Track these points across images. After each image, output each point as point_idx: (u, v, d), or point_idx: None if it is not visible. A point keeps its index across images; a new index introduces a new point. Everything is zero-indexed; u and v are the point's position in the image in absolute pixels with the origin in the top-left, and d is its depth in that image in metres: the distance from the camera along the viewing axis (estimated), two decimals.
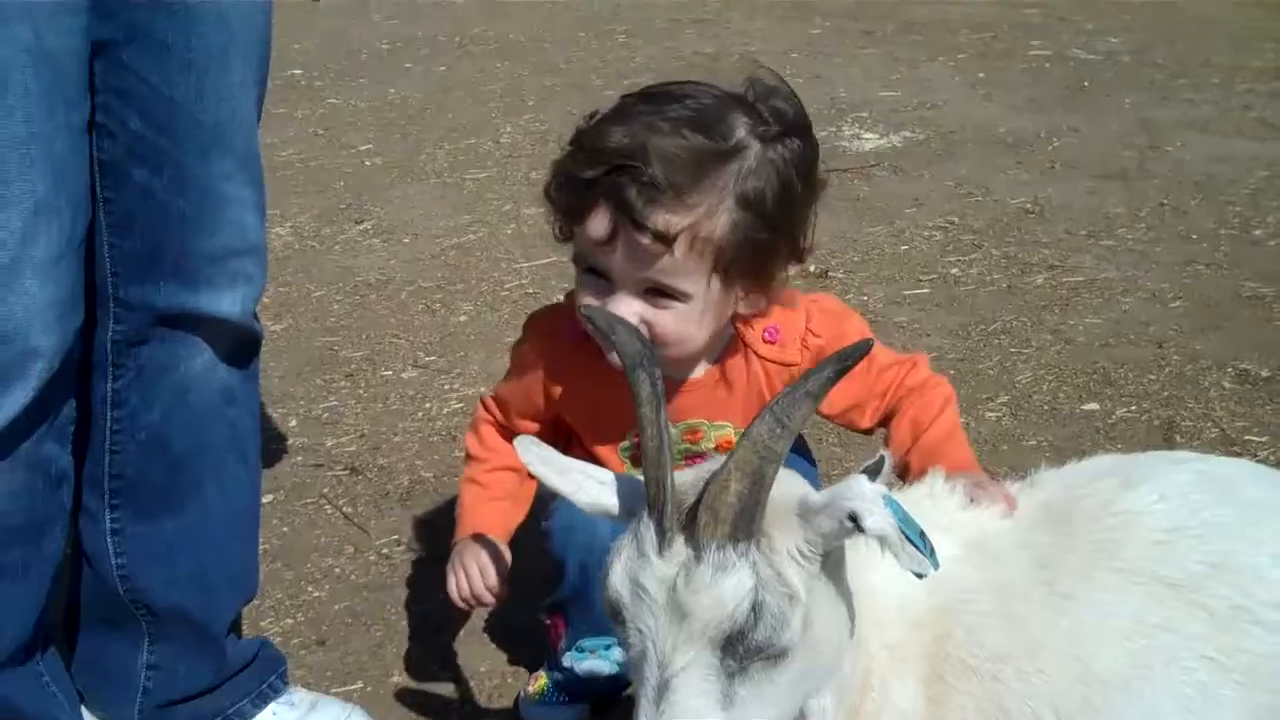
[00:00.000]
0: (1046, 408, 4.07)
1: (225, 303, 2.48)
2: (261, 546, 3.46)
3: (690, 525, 1.77)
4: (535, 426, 2.64)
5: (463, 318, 5.04)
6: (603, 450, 2.61)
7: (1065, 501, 2.34)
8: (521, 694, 2.92)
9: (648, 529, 1.79)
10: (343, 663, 3.14)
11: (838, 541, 1.85)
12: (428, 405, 4.36)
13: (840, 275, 5.12)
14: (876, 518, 1.75)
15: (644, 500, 1.83)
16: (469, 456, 2.72)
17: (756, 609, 1.74)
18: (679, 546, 1.76)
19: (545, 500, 2.70)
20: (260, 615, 3.30)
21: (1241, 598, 2.16)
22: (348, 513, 3.76)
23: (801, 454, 2.80)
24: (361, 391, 4.50)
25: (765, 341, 2.57)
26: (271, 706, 2.79)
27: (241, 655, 2.76)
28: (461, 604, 2.57)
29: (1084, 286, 4.95)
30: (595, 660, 2.77)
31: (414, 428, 4.23)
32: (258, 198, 2.51)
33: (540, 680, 2.87)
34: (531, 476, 2.25)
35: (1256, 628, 2.14)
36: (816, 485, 2.61)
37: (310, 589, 3.42)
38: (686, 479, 1.86)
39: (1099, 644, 2.12)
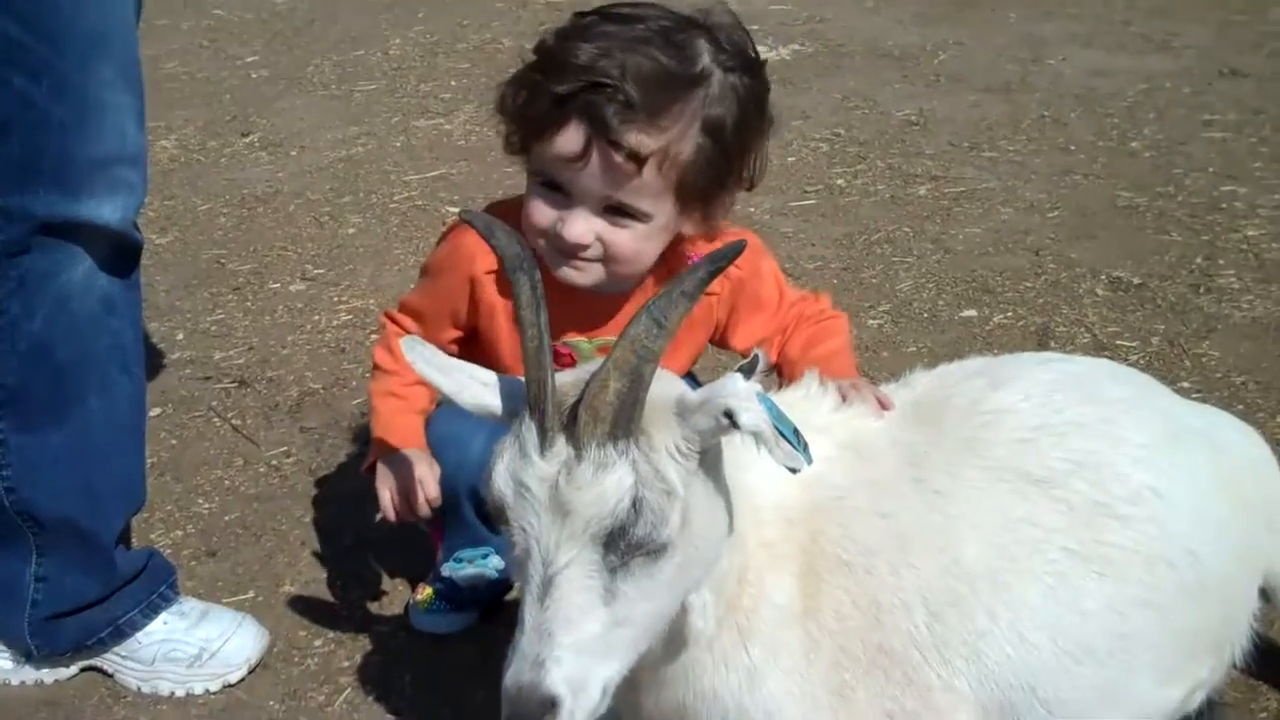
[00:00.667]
0: (926, 314, 4.16)
1: (106, 210, 2.46)
2: (150, 459, 3.47)
3: (571, 425, 1.79)
4: (453, 334, 2.64)
5: (351, 230, 5.03)
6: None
7: (935, 401, 2.40)
8: (410, 604, 2.96)
9: (529, 429, 1.82)
10: (233, 573, 3.15)
11: (714, 439, 1.88)
12: (316, 318, 4.36)
13: None
14: (751, 414, 1.79)
15: (525, 401, 1.85)
16: (379, 370, 2.69)
17: (636, 505, 1.78)
18: (560, 446, 1.79)
19: None
20: (150, 528, 3.30)
21: (1100, 494, 2.24)
22: (236, 425, 3.76)
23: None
24: (249, 304, 4.48)
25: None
26: (162, 616, 2.80)
27: (131, 565, 2.76)
28: (395, 519, 2.57)
29: (965, 197, 5.05)
30: (473, 569, 2.81)
31: (302, 340, 4.23)
32: (138, 105, 2.50)
33: (426, 591, 2.91)
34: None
35: (1114, 521, 2.22)
36: None
37: (200, 501, 3.43)
38: (567, 380, 1.89)
39: (966, 537, 2.18)
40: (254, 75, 6.88)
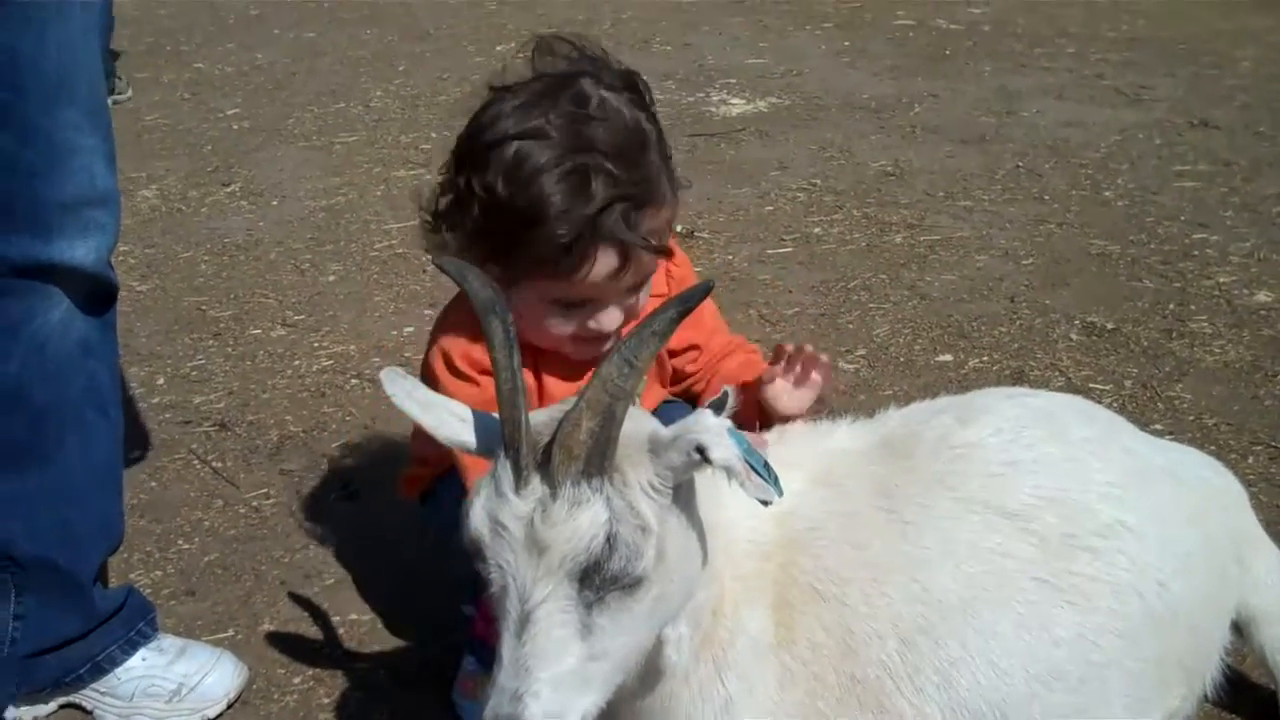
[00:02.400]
0: (903, 359, 4.20)
1: (79, 252, 2.48)
2: (130, 501, 3.49)
3: (545, 463, 1.80)
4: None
5: (331, 277, 5.05)
6: None
7: (906, 437, 2.43)
8: (458, 697, 2.84)
9: (505, 468, 1.82)
10: (213, 612, 3.16)
11: (687, 474, 1.89)
12: (296, 363, 4.38)
13: (706, 235, 5.21)
14: (721, 449, 1.80)
15: (500, 440, 1.86)
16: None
17: (611, 540, 1.79)
18: (535, 484, 1.80)
19: None
20: (130, 567, 3.31)
21: (1070, 526, 2.27)
22: (216, 467, 3.77)
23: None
24: (230, 350, 4.50)
25: None
26: (141, 652, 2.81)
27: (110, 603, 2.77)
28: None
29: (940, 244, 5.09)
30: None
31: (283, 384, 4.24)
32: (106, 146, 2.51)
33: (483, 683, 2.73)
34: None
35: (1084, 553, 2.25)
36: None
37: (180, 541, 3.44)
38: (540, 419, 1.89)
39: (938, 567, 2.20)
40: (235, 127, 6.92)
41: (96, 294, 2.59)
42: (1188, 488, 2.48)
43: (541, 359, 2.55)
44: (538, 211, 2.31)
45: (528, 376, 2.54)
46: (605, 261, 2.34)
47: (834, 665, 2.15)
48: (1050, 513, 2.27)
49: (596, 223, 2.30)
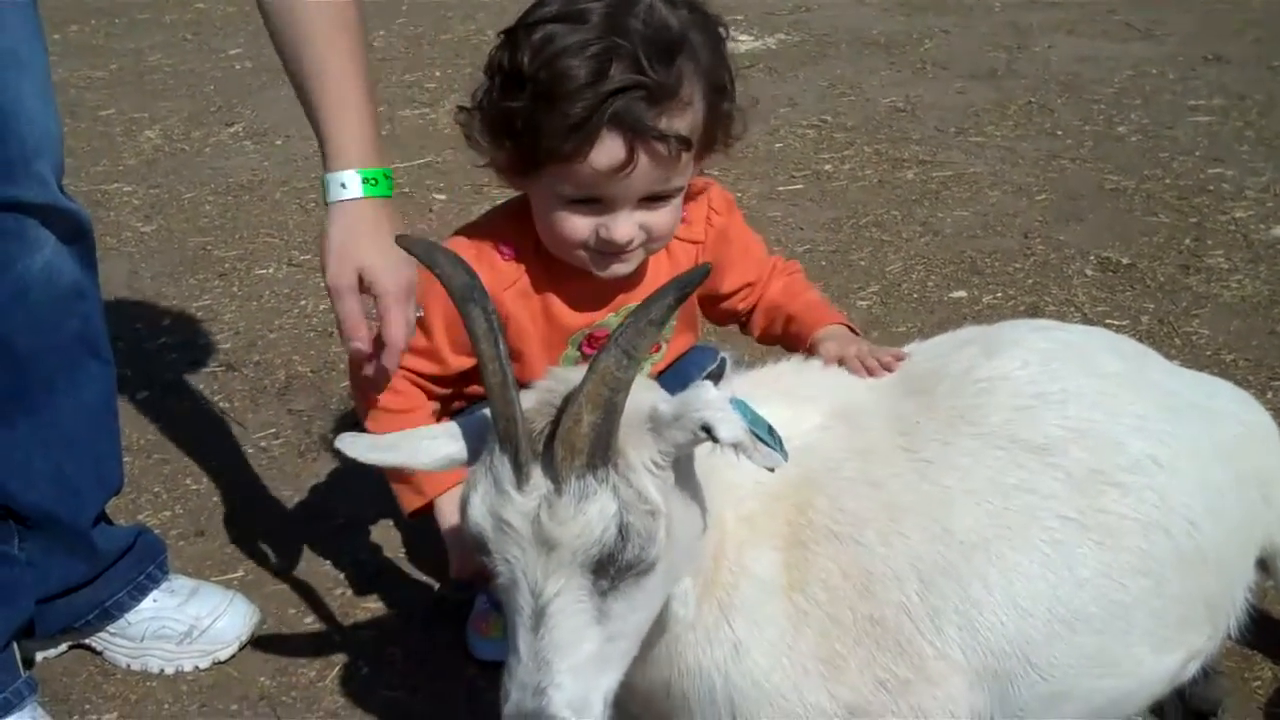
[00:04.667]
0: (916, 295, 4.16)
1: (51, 192, 2.45)
2: (137, 442, 3.48)
3: (546, 456, 1.74)
4: (469, 362, 2.51)
5: None
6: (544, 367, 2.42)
7: (929, 372, 2.39)
8: (472, 634, 2.81)
9: (502, 463, 1.76)
10: (222, 552, 3.14)
11: (689, 449, 1.84)
12: (303, 302, 4.34)
13: (715, 173, 5.06)
14: (729, 426, 1.75)
15: (491, 433, 1.79)
16: (385, 410, 2.56)
17: (623, 531, 1.74)
18: (537, 479, 1.74)
19: None
20: (138, 508, 3.29)
21: (1099, 462, 2.22)
22: (224, 408, 3.74)
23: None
24: (236, 290, 4.46)
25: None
26: (152, 594, 2.79)
27: (116, 544, 2.75)
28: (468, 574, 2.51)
29: (953, 180, 5.04)
30: None
31: (289, 324, 4.21)
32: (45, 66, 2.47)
33: (495, 622, 2.76)
34: None
35: (1113, 489, 2.21)
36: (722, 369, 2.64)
37: (188, 482, 3.42)
38: (530, 404, 1.82)
39: (959, 505, 2.16)
40: (238, 67, 6.86)
41: (77, 235, 2.54)
42: (1219, 423, 2.44)
43: (553, 280, 2.50)
44: (555, 87, 2.23)
45: (536, 304, 2.50)
46: (611, 149, 2.24)
47: (850, 606, 2.10)
48: (1078, 447, 2.23)
49: (608, 105, 2.21)
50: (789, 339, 2.64)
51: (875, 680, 2.11)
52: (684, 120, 2.28)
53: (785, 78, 6.29)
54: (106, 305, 2.75)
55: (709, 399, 1.79)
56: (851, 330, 2.59)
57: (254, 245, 4.79)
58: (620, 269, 2.42)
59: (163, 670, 2.76)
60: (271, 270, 4.59)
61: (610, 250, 2.38)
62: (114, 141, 5.89)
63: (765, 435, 1.77)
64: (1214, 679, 2.42)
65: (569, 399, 1.74)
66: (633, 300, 2.53)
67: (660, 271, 2.56)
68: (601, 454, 1.73)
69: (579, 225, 2.36)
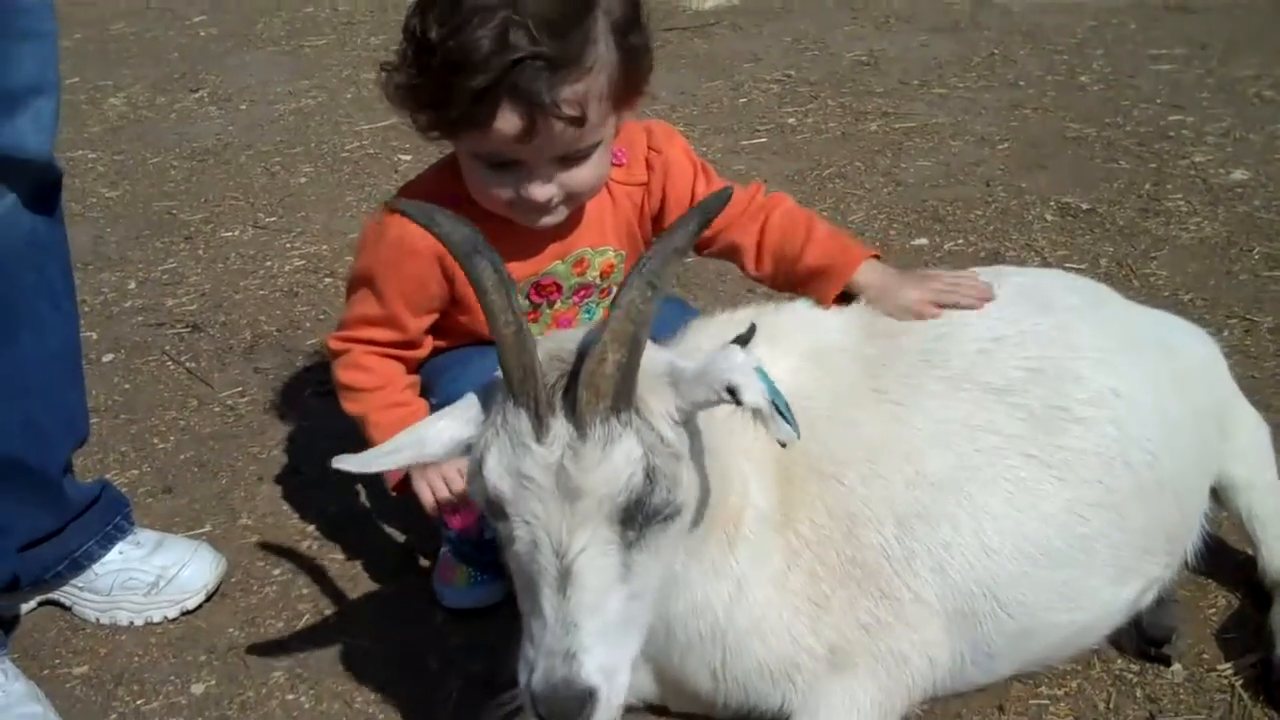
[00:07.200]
0: (878, 244, 4.16)
1: (32, 142, 2.44)
2: (105, 402, 3.49)
3: (566, 404, 1.72)
4: (428, 320, 2.56)
5: (303, 179, 5.01)
6: None
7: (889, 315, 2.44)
8: (439, 587, 2.81)
9: (518, 418, 1.73)
10: (190, 508, 3.15)
11: (704, 409, 1.84)
12: (269, 264, 4.35)
13: (680, 128, 5.10)
14: (753, 392, 1.74)
15: (500, 394, 1.78)
16: (359, 390, 2.56)
17: (650, 474, 1.72)
18: (558, 428, 1.71)
19: None
20: (105, 468, 3.30)
21: (1059, 399, 2.27)
22: (190, 368, 3.75)
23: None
24: (201, 253, 4.46)
25: (614, 164, 2.55)
26: (118, 546, 2.80)
27: (83, 496, 2.76)
28: (437, 513, 2.51)
29: (916, 132, 5.06)
30: None
31: (255, 285, 4.21)
32: (55, 38, 2.46)
33: (460, 570, 2.77)
34: None
35: (1074, 425, 2.25)
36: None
37: (155, 440, 3.42)
38: (540, 357, 1.77)
39: (929, 447, 2.21)
40: (202, 34, 6.85)
41: (44, 187, 2.53)
42: (1175, 356, 2.48)
43: (492, 232, 2.48)
44: (460, 57, 2.22)
45: None
46: (510, 119, 2.23)
47: (835, 548, 2.15)
48: (1038, 385, 2.27)
49: (507, 76, 2.20)
50: (811, 289, 2.58)
51: (858, 624, 2.15)
52: (585, 84, 2.25)
53: (749, 34, 6.30)
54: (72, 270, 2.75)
55: (737, 362, 1.78)
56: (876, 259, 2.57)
57: (219, 209, 4.79)
58: (549, 220, 2.44)
59: (131, 623, 2.77)
60: (237, 233, 4.59)
61: (532, 209, 2.39)
62: (78, 110, 5.88)
63: (784, 409, 1.77)
64: (1169, 607, 2.45)
65: (586, 346, 1.72)
66: (573, 248, 2.55)
67: (604, 215, 2.58)
68: (625, 397, 1.71)
69: (499, 189, 2.37)
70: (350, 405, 2.56)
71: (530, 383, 1.71)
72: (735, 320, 2.36)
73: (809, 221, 2.63)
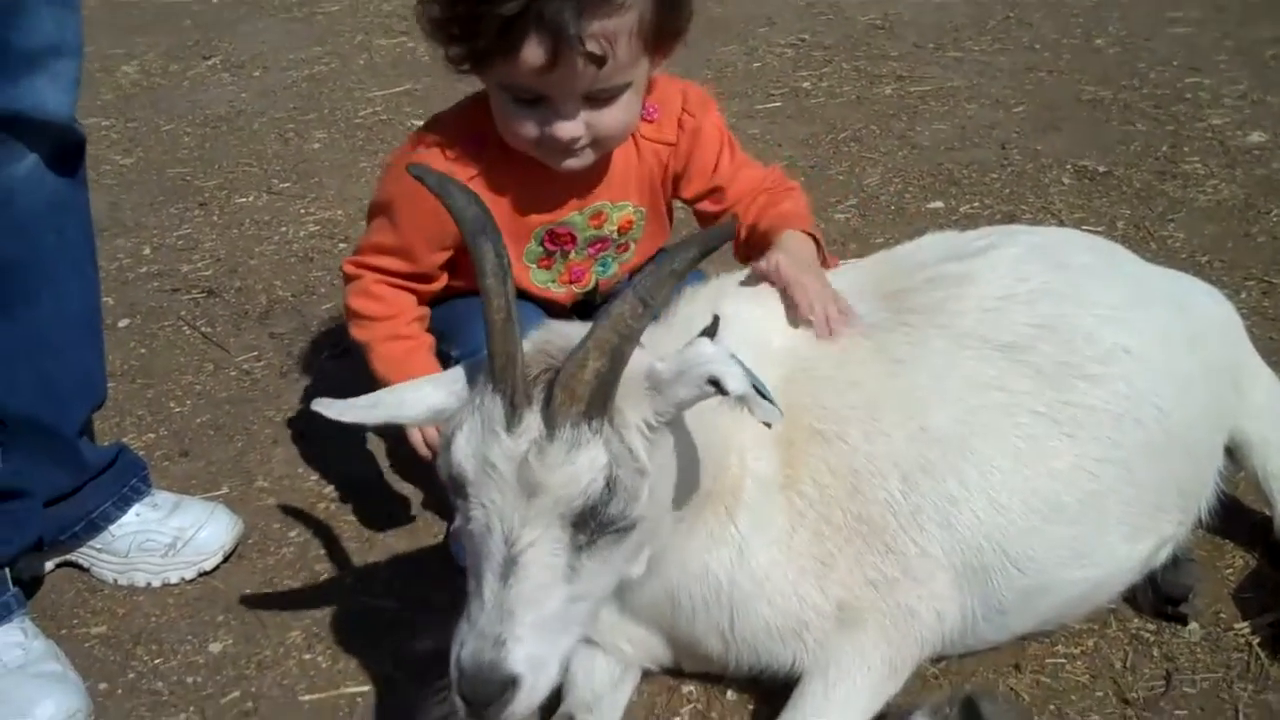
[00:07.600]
0: (893, 208, 4.16)
1: (51, 104, 2.42)
2: (121, 367, 3.50)
3: (542, 400, 1.72)
4: (442, 256, 2.56)
5: (316, 145, 5.01)
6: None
7: (898, 274, 2.42)
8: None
9: (494, 403, 1.74)
10: (207, 471, 3.16)
11: (691, 405, 1.83)
12: (284, 229, 4.35)
13: None
14: (735, 378, 1.74)
15: (483, 374, 1.79)
16: (367, 318, 2.60)
17: (610, 484, 1.73)
18: (530, 421, 1.72)
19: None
20: (122, 431, 3.31)
21: (1068, 354, 2.26)
22: (206, 332, 3.75)
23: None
24: (216, 219, 4.46)
25: (645, 120, 2.55)
26: (135, 508, 2.81)
27: (100, 458, 2.76)
28: (429, 458, 2.50)
29: (931, 95, 5.04)
30: None
31: (270, 250, 4.22)
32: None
33: None
34: None
35: (1082, 382, 2.24)
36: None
37: (171, 404, 3.43)
38: (526, 350, 1.79)
39: (934, 404, 2.20)
40: (214, 0, 6.82)
41: (66, 149, 2.54)
42: (1188, 313, 2.47)
43: (515, 173, 2.50)
44: None
45: (499, 196, 2.50)
46: (535, 50, 2.24)
47: (840, 505, 2.14)
48: (1047, 342, 2.26)
49: (535, 5, 2.20)
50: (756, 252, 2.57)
51: (865, 580, 2.15)
52: (615, 21, 2.25)
53: None
54: None
55: (710, 354, 1.78)
56: (815, 239, 2.55)
57: (233, 175, 4.80)
58: (574, 163, 2.43)
59: (149, 584, 2.79)
60: (251, 199, 4.59)
61: (558, 148, 2.39)
62: (92, 77, 5.86)
63: (763, 390, 1.77)
64: (1185, 566, 2.45)
65: (576, 347, 1.72)
66: (592, 201, 2.55)
67: (628, 169, 2.57)
68: (599, 405, 1.71)
69: (525, 124, 2.38)
70: (356, 331, 2.61)
71: (511, 371, 1.73)
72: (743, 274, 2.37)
73: (781, 200, 2.64)
